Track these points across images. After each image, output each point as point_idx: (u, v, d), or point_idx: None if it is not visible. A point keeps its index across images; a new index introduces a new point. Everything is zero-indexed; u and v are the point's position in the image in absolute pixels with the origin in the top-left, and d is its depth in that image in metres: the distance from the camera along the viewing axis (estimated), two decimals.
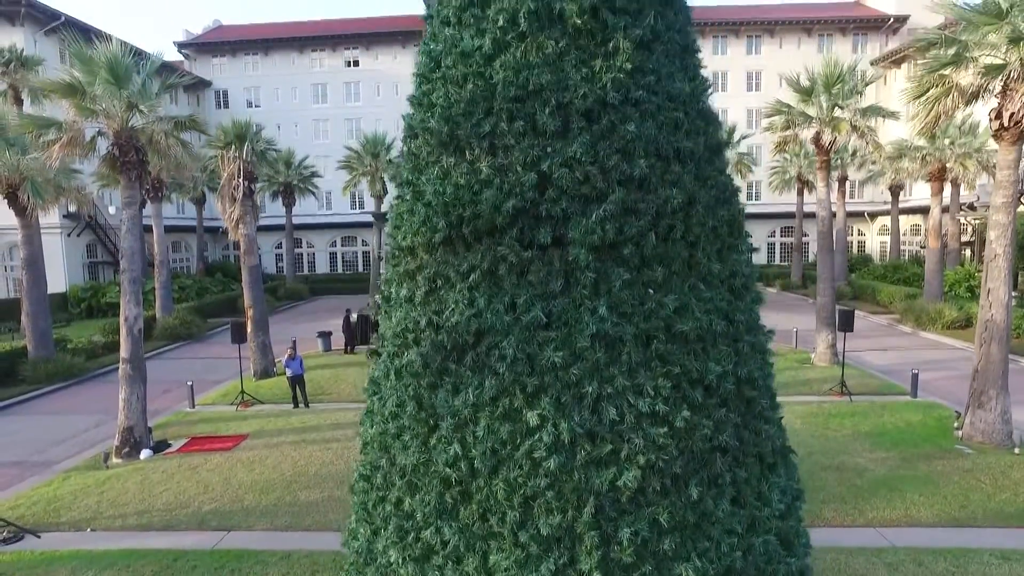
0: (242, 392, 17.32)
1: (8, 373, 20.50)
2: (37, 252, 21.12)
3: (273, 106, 52.48)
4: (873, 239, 49.56)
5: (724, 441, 4.07)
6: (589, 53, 3.97)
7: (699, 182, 4.12)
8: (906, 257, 43.28)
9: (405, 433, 4.49)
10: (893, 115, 18.64)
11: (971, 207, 33.95)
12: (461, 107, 4.06)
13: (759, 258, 50.23)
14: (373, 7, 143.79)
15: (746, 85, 50.99)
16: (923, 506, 10.01)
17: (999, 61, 11.48)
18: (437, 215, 4.06)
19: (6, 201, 20.47)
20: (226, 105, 53.06)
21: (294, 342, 17.46)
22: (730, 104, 50.96)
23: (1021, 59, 11.05)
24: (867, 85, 19.06)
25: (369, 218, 36.96)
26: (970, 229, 36.47)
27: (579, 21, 3.92)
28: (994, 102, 12.27)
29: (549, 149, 3.90)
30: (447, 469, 4.08)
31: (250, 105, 52.78)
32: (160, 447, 13.95)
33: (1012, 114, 11.82)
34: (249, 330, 20.17)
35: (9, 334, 29.53)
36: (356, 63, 51.71)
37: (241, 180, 19.45)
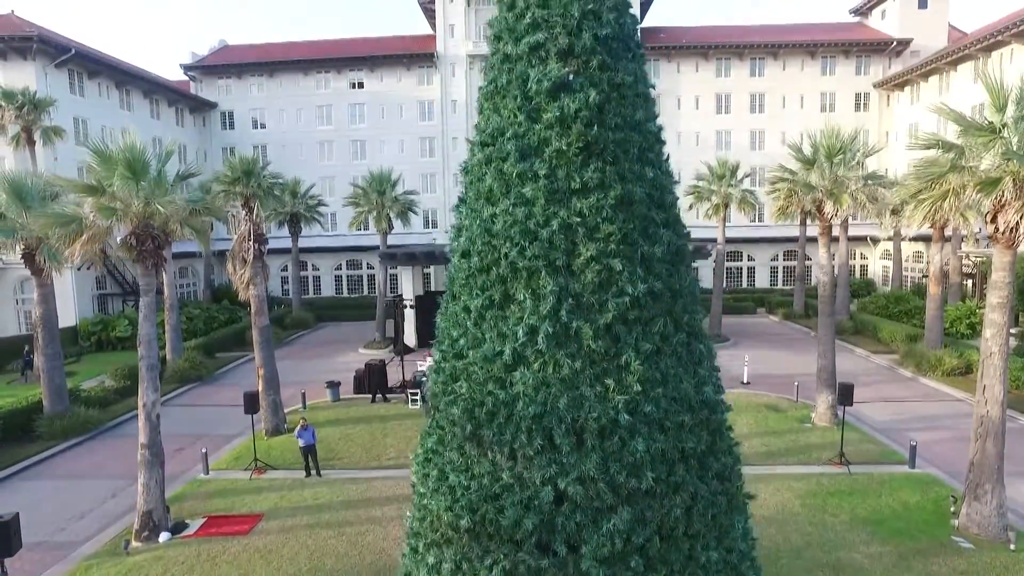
0: (255, 459, 17.74)
1: (24, 428, 20.98)
2: (51, 310, 21.56)
3: (278, 128, 52.87)
4: (876, 263, 49.80)
5: None
6: (602, 370, 4.34)
7: (702, 481, 4.49)
8: (909, 284, 43.56)
9: None
10: (892, 184, 18.88)
11: (973, 244, 34.19)
12: (484, 412, 4.43)
13: (761, 281, 50.55)
14: (378, 26, 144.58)
15: (749, 107, 51.22)
16: None
17: (995, 174, 11.78)
18: (463, 509, 4.44)
19: (23, 260, 20.91)
20: (232, 126, 53.51)
21: (305, 420, 17.80)
22: (733, 126, 51.28)
23: (1015, 177, 11.35)
24: (868, 156, 19.29)
25: (374, 241, 37.08)
26: (972, 262, 36.69)
27: (593, 345, 4.29)
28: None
29: (565, 463, 4.27)
30: None
31: (256, 127, 53.22)
32: (178, 528, 14.36)
33: (1007, 220, 12.14)
34: (260, 389, 20.62)
35: (22, 373, 30.10)
36: (361, 85, 52.04)
37: (252, 242, 19.80)
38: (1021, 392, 22.74)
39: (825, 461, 17.24)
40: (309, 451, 17.21)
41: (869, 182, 18.26)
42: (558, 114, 4.49)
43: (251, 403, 17.71)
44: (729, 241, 38.72)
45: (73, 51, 37.56)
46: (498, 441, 4.37)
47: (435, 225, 52.10)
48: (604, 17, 4.63)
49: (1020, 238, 11.66)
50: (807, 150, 19.58)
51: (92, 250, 13.65)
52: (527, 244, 4.43)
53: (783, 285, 49.83)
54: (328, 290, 51.37)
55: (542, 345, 4.31)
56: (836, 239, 30.64)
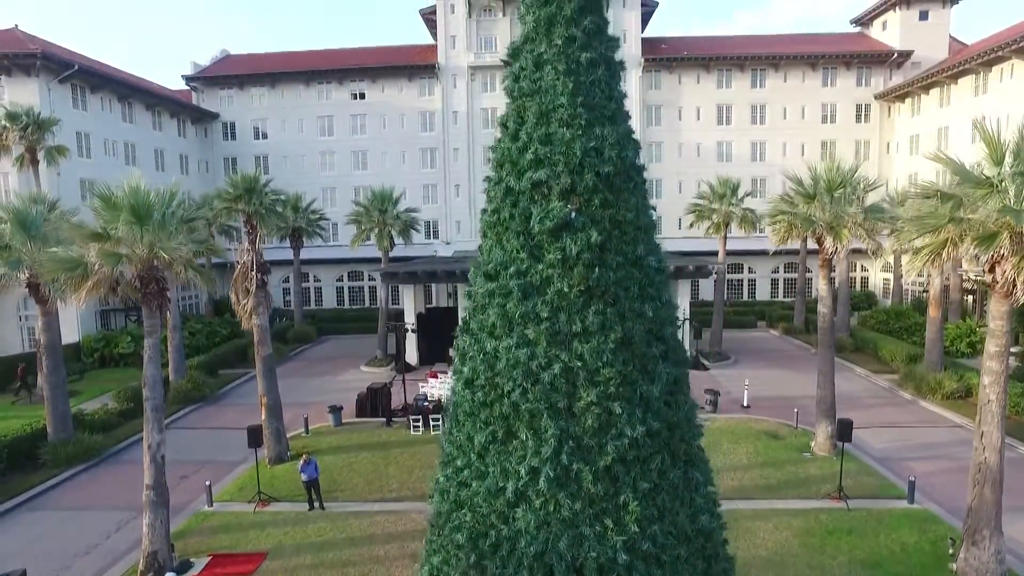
0: (259, 492, 17.88)
1: (28, 455, 21.12)
2: (56, 337, 21.70)
3: (280, 138, 53.01)
4: (876, 275, 49.84)
5: None
6: (601, 509, 4.45)
7: None
8: (909, 297, 43.63)
9: None
10: (893, 221, 18.96)
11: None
12: (487, 544, 4.55)
13: (762, 293, 50.62)
14: (380, 34, 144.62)
15: (750, 118, 51.27)
16: None
17: (993, 227, 11.86)
18: None
19: (28, 290, 21.05)
20: (233, 137, 53.64)
21: (308, 455, 17.91)
22: (734, 138, 51.36)
23: (1011, 232, 11.44)
24: (869, 191, 19.36)
25: (376, 253, 36.99)
26: (972, 279, 36.76)
27: (593, 488, 4.41)
28: None
29: None
30: None
31: (257, 137, 53.35)
32: (184, 567, 14.50)
33: (1004, 272, 12.22)
34: (263, 417, 20.79)
35: (26, 391, 30.26)
36: (362, 95, 52.15)
37: (255, 273, 19.92)
38: (1021, 418, 22.83)
39: (824, 495, 17.34)
40: (312, 485, 17.35)
41: (869, 215, 18.34)
42: (560, 256, 4.59)
43: (254, 437, 17.86)
44: (730, 254, 38.75)
45: (76, 67, 37.69)
46: (501, 574, 4.48)
47: (436, 236, 52.23)
48: (607, 154, 4.74)
49: (1018, 293, 11.73)
50: (807, 181, 19.66)
51: (98, 294, 13.76)
52: (529, 386, 4.54)
53: (784, 297, 49.91)
54: (330, 301, 51.51)
55: (543, 486, 4.43)
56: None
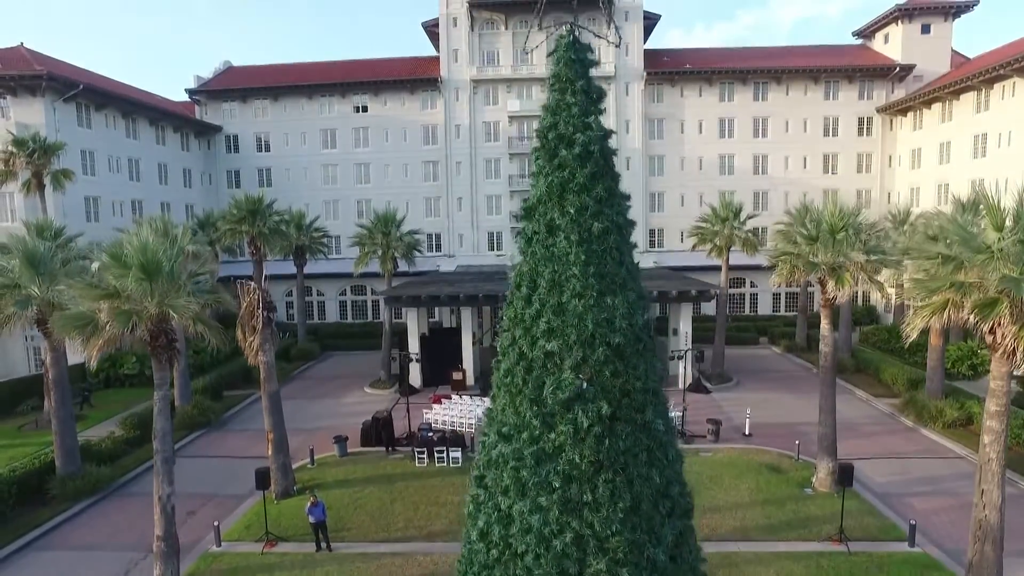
0: (266, 532, 18.07)
1: (37, 490, 21.31)
2: (63, 373, 21.90)
3: (283, 151, 53.15)
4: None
5: None
6: None
7: None
8: (911, 312, 43.64)
9: None
10: (898, 263, 19.05)
11: None
12: None
13: (764, 307, 50.69)
14: (383, 44, 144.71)
15: (753, 131, 51.28)
16: None
17: (993, 293, 11.99)
18: None
19: (37, 326, 21.24)
20: (236, 150, 53.78)
21: (315, 496, 18.11)
22: (736, 150, 51.39)
23: (1010, 303, 11.57)
24: (871, 235, 19.44)
25: (378, 266, 36.97)
26: None
27: None
28: None
29: None
30: None
31: (260, 150, 53.50)
32: None
33: (1004, 335, 12.37)
34: (270, 453, 21.01)
35: (32, 413, 30.52)
36: (365, 109, 52.26)
37: (261, 311, 20.10)
38: (1022, 449, 22.97)
39: (825, 537, 17.50)
40: (320, 526, 17.55)
41: (870, 259, 18.47)
42: (571, 428, 4.75)
43: (262, 480, 18.05)
44: (732, 268, 38.67)
45: (81, 86, 37.87)
46: None
47: (439, 249, 52.38)
48: (617, 324, 4.89)
49: (1018, 360, 11.88)
50: (810, 218, 19.76)
51: (109, 349, 13.95)
52: (542, 551, 4.69)
53: (786, 310, 49.96)
54: (333, 315, 51.68)
55: None
56: None
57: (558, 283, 4.95)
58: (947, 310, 12.95)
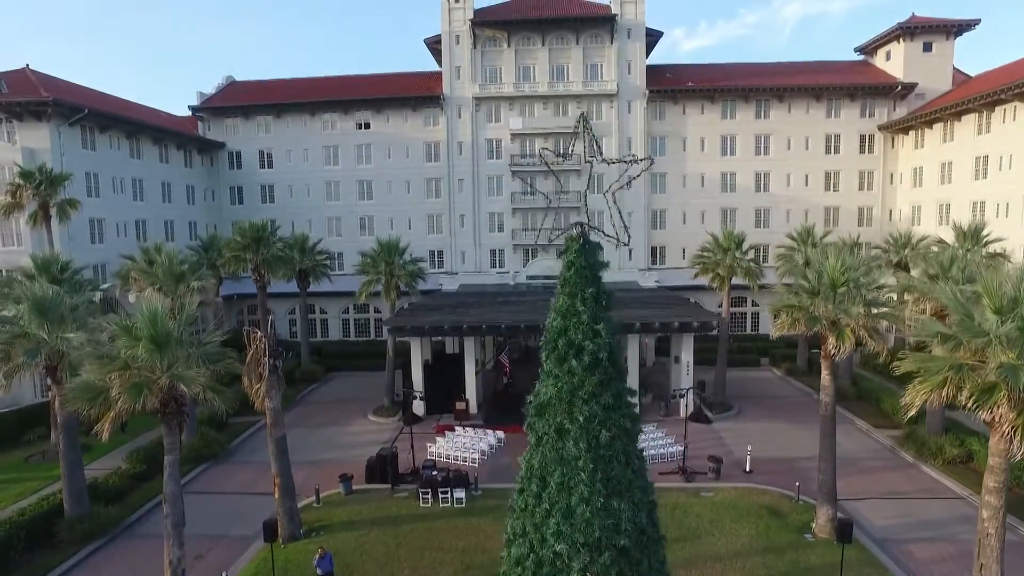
0: None
1: (46, 532, 21.56)
2: (72, 417, 22.07)
3: (285, 168, 53.32)
4: None
5: None
6: None
7: None
8: (911, 339, 43.78)
9: None
10: (897, 318, 19.21)
11: None
12: None
13: (765, 326, 50.79)
14: (386, 59, 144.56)
15: (755, 149, 51.35)
16: None
17: (992, 378, 12.17)
18: None
19: (45, 372, 21.48)
20: (239, 166, 53.94)
21: (322, 547, 18.35)
22: (738, 168, 51.49)
23: (1008, 391, 11.74)
24: (874, 289, 19.56)
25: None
26: None
27: None
28: None
29: None
30: None
31: (263, 166, 53.66)
32: None
33: (1002, 415, 12.54)
34: (276, 497, 21.26)
35: (39, 443, 30.79)
36: (367, 126, 52.40)
37: (267, 359, 20.30)
38: (1023, 491, 23.12)
39: None
40: None
41: (873, 310, 18.63)
42: None
43: (270, 532, 18.30)
44: (733, 287, 38.54)
45: (86, 111, 38.04)
46: None
47: (441, 265, 52.57)
48: (623, 527, 5.07)
49: (1014, 448, 12.06)
50: (813, 266, 19.90)
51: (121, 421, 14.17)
52: None
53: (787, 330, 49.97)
54: (335, 333, 51.90)
55: None
56: None
57: (567, 486, 5.13)
58: (946, 387, 13.11)
